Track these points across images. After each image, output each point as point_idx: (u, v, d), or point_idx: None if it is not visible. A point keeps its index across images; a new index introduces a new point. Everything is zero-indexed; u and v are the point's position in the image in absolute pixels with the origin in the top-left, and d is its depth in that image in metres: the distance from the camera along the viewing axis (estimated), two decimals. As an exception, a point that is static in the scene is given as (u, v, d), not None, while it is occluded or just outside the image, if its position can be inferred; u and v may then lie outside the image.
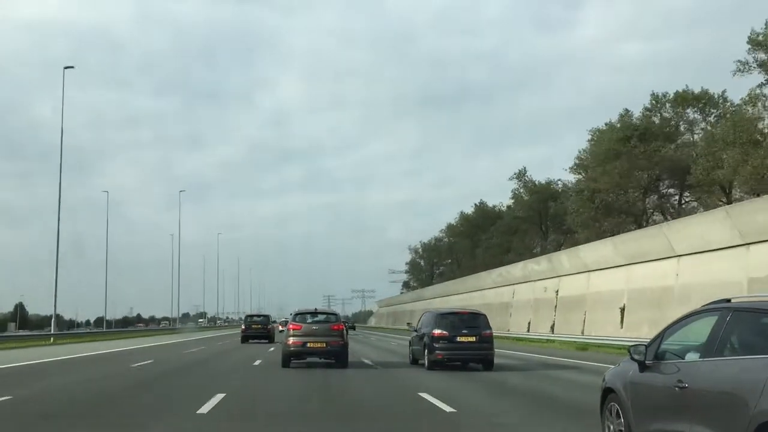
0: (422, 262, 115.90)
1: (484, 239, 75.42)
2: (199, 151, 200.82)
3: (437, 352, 17.36)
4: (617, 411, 6.67)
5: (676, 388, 5.61)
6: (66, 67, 42.97)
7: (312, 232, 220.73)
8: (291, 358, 18.82)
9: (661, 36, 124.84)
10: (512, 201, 69.34)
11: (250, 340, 38.31)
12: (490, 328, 18.07)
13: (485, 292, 54.07)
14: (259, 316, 44.06)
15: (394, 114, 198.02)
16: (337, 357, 18.88)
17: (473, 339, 17.80)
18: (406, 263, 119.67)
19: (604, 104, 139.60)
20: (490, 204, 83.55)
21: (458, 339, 17.65)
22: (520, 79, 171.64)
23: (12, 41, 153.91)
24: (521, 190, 67.57)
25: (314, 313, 19.84)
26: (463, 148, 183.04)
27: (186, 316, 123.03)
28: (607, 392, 7.01)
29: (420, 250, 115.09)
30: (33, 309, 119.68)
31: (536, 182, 66.19)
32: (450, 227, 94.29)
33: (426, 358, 17.54)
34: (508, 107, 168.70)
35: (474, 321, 18.23)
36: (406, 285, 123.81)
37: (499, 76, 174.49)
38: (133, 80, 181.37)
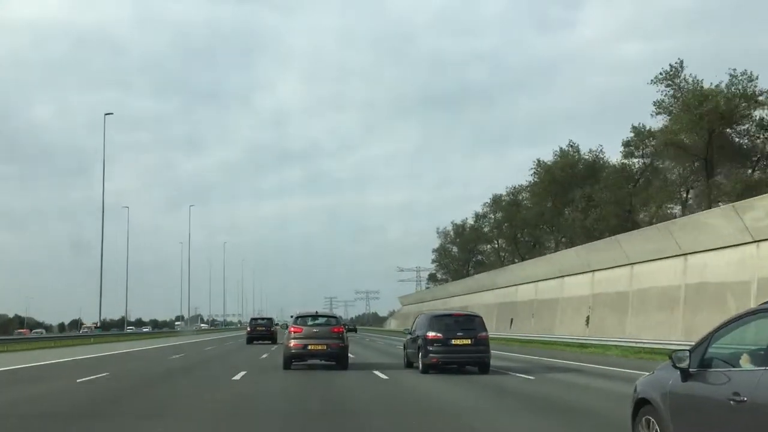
0: (455, 249, 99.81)
1: (578, 198, 54.84)
2: (199, 152, 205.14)
3: (431, 355, 18.33)
4: (653, 425, 6.11)
5: (732, 402, 5.05)
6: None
7: (313, 234, 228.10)
8: (292, 360, 19.97)
9: (661, 36, 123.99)
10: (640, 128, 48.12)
11: (255, 342, 42.54)
12: (485, 330, 19.21)
13: (695, 258, 27.71)
14: (263, 319, 49.50)
15: (394, 114, 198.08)
16: (337, 359, 20.01)
17: (468, 342, 18.56)
18: (434, 250, 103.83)
19: (603, 104, 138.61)
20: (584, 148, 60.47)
21: (453, 342, 18.43)
22: (520, 79, 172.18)
23: (11, 41, 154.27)
24: (669, 99, 42.93)
25: (315, 316, 20.95)
26: (464, 148, 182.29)
27: (180, 318, 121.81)
28: (641, 404, 6.35)
29: (452, 233, 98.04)
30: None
31: (699, 82, 41.65)
32: (496, 201, 79.47)
33: (420, 361, 18.70)
34: (509, 107, 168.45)
35: (469, 323, 19.19)
36: (433, 278, 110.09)
37: (499, 77, 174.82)
38: (133, 81, 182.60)
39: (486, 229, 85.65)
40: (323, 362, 20.43)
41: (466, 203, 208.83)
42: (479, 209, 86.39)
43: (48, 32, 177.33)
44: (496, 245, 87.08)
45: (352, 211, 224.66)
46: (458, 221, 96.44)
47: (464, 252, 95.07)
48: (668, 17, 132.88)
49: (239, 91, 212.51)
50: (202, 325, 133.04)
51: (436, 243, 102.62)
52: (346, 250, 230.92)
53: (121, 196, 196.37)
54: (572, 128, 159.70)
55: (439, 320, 19.02)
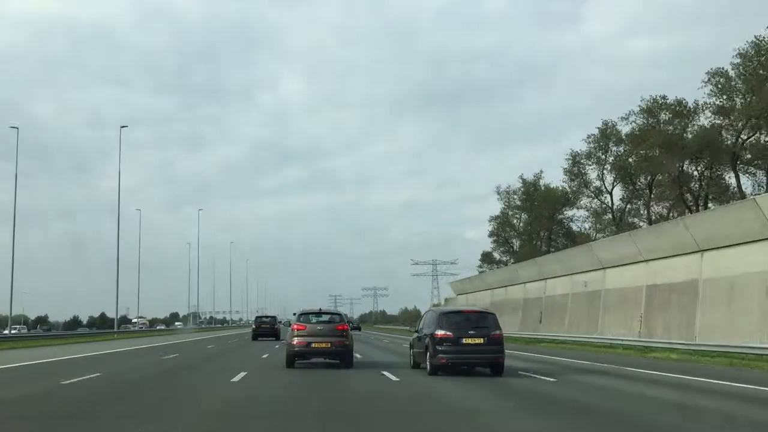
0: (523, 217, 78.27)
1: None
2: (199, 150, 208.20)
3: (440, 355, 18.09)
4: None
5: None
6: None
7: (316, 232, 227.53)
8: (295, 358, 20.14)
9: (665, 31, 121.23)
10: None
11: (260, 338, 47.58)
12: (499, 329, 18.81)
13: None
14: (267, 317, 55.46)
15: (397, 111, 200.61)
16: (341, 357, 20.23)
17: (481, 341, 18.07)
18: (490, 219, 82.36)
19: (607, 102, 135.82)
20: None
21: (464, 341, 17.99)
22: (524, 76, 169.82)
23: (10, 38, 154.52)
24: None
25: (318, 314, 21.08)
26: (468, 146, 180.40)
27: (175, 315, 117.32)
28: None
29: (520, 194, 76.13)
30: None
31: None
32: (607, 131, 57.65)
33: (428, 362, 18.56)
34: (513, 105, 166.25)
35: (482, 321, 18.75)
36: (487, 258, 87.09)
37: (502, 74, 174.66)
38: (133, 78, 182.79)
39: (593, 175, 62.03)
40: (327, 360, 20.82)
41: (470, 200, 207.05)
42: (578, 148, 62.82)
43: (46, 29, 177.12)
44: (608, 201, 62.69)
45: (356, 208, 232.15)
46: (529, 176, 75.30)
47: (540, 220, 73.56)
48: (672, 13, 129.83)
49: (240, 89, 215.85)
50: (177, 324, 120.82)
51: (496, 208, 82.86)
52: (351, 248, 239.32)
53: (120, 194, 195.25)
54: (576, 126, 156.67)
55: (448, 317, 18.96)
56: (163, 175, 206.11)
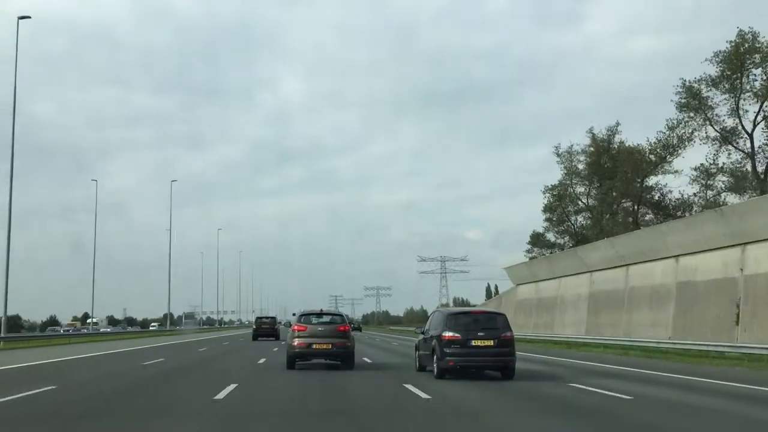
0: (592, 186, 59.81)
1: None
2: (199, 150, 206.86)
3: (448, 358, 17.38)
4: None
5: None
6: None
7: (316, 232, 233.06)
8: (296, 359, 20.05)
9: (665, 31, 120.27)
10: None
11: (260, 338, 48.91)
12: (510, 330, 18.17)
13: None
14: (267, 317, 56.86)
15: (396, 112, 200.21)
16: (342, 359, 20.10)
17: (491, 343, 17.35)
18: (545, 190, 63.36)
19: (606, 102, 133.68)
20: None
21: (473, 343, 17.26)
22: (524, 76, 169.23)
23: (8, 36, 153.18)
24: None
25: (319, 314, 20.90)
26: (472, 144, 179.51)
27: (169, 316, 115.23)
28: None
29: (588, 154, 58.46)
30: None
31: None
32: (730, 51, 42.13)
33: (435, 365, 17.99)
34: (513, 105, 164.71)
35: (491, 322, 18.10)
36: (538, 241, 68.29)
37: (505, 73, 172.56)
38: (133, 78, 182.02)
39: (722, 110, 44.67)
40: (328, 362, 20.66)
41: (470, 200, 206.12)
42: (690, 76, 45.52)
43: (46, 27, 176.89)
44: (747, 146, 44.15)
45: (356, 208, 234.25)
46: (601, 130, 57.05)
47: (619, 187, 54.83)
48: (674, 11, 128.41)
49: (240, 88, 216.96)
50: (153, 326, 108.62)
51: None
52: (351, 248, 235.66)
53: (121, 193, 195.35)
54: (577, 126, 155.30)
55: (456, 318, 18.39)
56: (163, 175, 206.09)
